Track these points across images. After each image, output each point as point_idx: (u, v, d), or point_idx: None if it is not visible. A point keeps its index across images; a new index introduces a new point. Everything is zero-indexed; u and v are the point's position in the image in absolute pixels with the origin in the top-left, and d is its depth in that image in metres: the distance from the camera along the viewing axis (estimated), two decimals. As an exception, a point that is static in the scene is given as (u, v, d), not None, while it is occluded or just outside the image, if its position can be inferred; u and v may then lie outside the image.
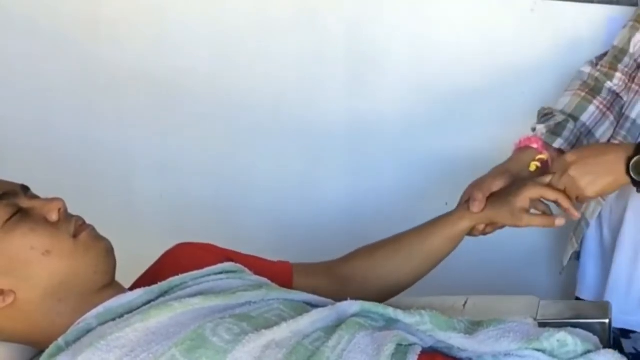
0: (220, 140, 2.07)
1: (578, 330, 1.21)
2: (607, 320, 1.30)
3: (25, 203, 1.10)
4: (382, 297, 1.34)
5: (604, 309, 1.35)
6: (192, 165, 2.09)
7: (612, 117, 1.58)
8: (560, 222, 1.35)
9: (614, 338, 1.37)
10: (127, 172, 2.13)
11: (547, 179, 1.36)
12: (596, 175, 1.32)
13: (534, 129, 1.55)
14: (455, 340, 1.14)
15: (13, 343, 1.12)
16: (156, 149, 2.10)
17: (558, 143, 1.51)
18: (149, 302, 1.12)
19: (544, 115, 1.58)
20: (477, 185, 1.43)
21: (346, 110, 1.98)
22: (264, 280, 1.25)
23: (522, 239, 1.81)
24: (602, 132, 1.58)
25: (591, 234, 1.61)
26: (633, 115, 1.52)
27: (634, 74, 1.57)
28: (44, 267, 1.08)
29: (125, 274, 1.21)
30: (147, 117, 2.07)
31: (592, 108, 1.57)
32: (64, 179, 2.03)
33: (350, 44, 1.96)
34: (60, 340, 1.05)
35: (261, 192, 2.09)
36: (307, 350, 1.05)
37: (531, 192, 1.34)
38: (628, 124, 1.53)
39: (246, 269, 1.26)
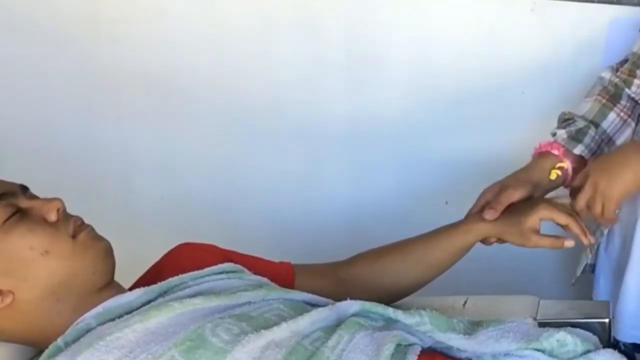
0: (220, 141, 2.07)
1: (578, 330, 1.21)
2: (606, 320, 1.30)
3: (24, 203, 1.10)
4: (384, 301, 1.33)
5: (603, 308, 1.35)
6: (192, 166, 2.09)
7: (633, 124, 1.57)
8: (569, 243, 1.33)
9: (627, 353, 1.37)
10: (127, 172, 2.13)
11: (566, 199, 1.36)
12: (616, 174, 1.31)
13: (554, 134, 1.53)
14: (454, 341, 1.14)
15: (12, 343, 1.12)
16: (156, 149, 2.10)
17: (579, 149, 1.49)
18: (148, 302, 1.12)
19: (565, 121, 1.57)
20: (496, 192, 1.41)
21: (346, 111, 1.98)
22: (264, 280, 1.25)
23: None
24: (623, 139, 1.56)
25: (602, 247, 1.59)
26: None
27: None
28: (42, 267, 1.07)
29: (125, 274, 1.21)
30: (147, 117, 2.07)
31: (612, 115, 1.56)
32: (63, 179, 2.03)
33: (350, 45, 1.95)
34: (59, 341, 1.05)
35: (261, 192, 2.09)
36: (307, 350, 1.05)
37: (542, 213, 1.32)
38: None
39: (245, 269, 1.26)
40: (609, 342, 1.29)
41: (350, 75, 1.97)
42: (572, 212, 1.34)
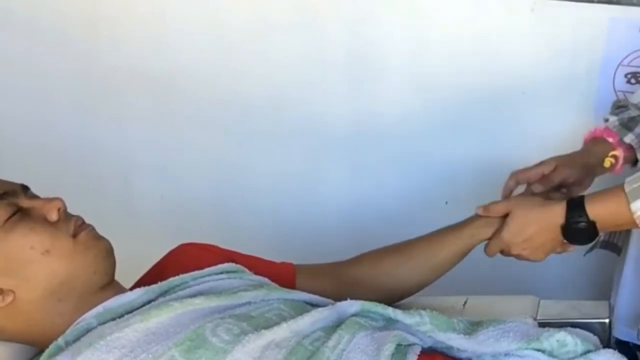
0: (220, 141, 2.07)
1: (578, 330, 1.21)
2: (607, 320, 1.30)
3: (24, 202, 1.10)
4: (386, 301, 1.33)
5: (603, 308, 1.35)
6: (192, 166, 2.09)
7: None
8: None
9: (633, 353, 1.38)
10: (127, 172, 2.13)
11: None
12: (537, 246, 1.29)
13: (606, 120, 1.50)
14: (455, 341, 1.14)
15: (13, 342, 1.12)
16: (156, 149, 2.10)
17: (629, 138, 1.46)
18: (149, 301, 1.12)
19: (618, 107, 1.54)
20: (552, 168, 1.41)
21: (346, 111, 1.98)
22: (265, 279, 1.25)
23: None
24: None
25: None
26: None
27: None
28: (43, 267, 1.07)
29: (125, 274, 1.21)
30: (147, 117, 2.07)
31: None
32: (63, 178, 2.03)
33: (350, 45, 1.95)
34: (60, 340, 1.05)
35: (261, 192, 2.08)
36: (307, 350, 1.05)
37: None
38: None
39: (246, 269, 1.26)
40: (609, 342, 1.29)
41: (351, 75, 1.97)
42: None
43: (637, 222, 1.16)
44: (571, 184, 1.43)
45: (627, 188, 1.17)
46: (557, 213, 1.25)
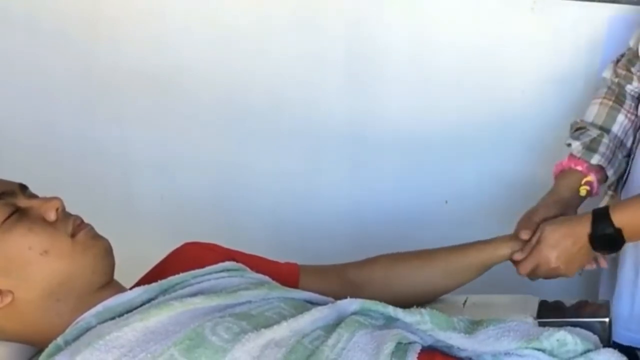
0: (220, 140, 2.07)
1: (578, 329, 1.21)
2: (606, 320, 1.30)
3: (23, 202, 1.10)
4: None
5: (603, 308, 1.35)
6: (192, 166, 2.09)
7: (638, 124, 1.57)
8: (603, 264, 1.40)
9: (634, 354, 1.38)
10: (127, 172, 2.13)
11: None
12: (572, 259, 1.33)
13: (568, 144, 1.53)
14: (455, 340, 1.14)
15: (12, 342, 1.12)
16: (156, 149, 2.10)
17: (595, 159, 1.49)
18: (149, 300, 1.12)
19: (577, 130, 1.56)
20: (529, 215, 1.44)
21: (346, 110, 1.98)
22: (265, 278, 1.25)
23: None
24: (630, 141, 1.56)
25: None
26: None
27: None
28: (41, 267, 1.07)
29: (125, 274, 1.21)
30: (147, 116, 2.07)
31: (620, 117, 1.55)
32: (63, 178, 2.03)
33: (350, 44, 1.95)
34: (59, 340, 1.05)
35: (261, 192, 2.08)
36: (307, 349, 1.05)
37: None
38: None
39: (247, 268, 1.26)
40: (609, 341, 1.29)
41: (350, 74, 1.97)
42: None
43: None
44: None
45: None
46: (584, 223, 1.31)
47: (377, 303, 1.17)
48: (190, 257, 1.27)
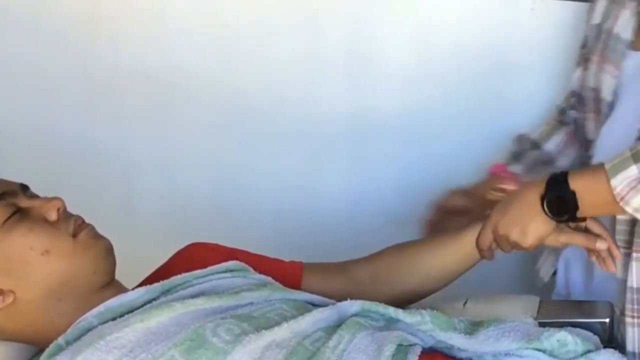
0: (220, 140, 2.07)
1: (578, 329, 1.21)
2: (607, 320, 1.30)
3: (24, 202, 1.10)
4: (401, 301, 1.31)
5: (604, 308, 1.35)
6: (192, 166, 2.09)
7: (577, 144, 1.59)
8: (602, 245, 1.27)
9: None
10: (127, 172, 2.13)
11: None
12: (522, 225, 1.23)
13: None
14: (455, 340, 1.14)
15: (13, 342, 1.12)
16: (156, 149, 2.10)
17: (515, 168, 1.52)
18: (150, 301, 1.12)
19: (517, 140, 1.61)
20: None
21: (346, 110, 1.98)
22: (268, 279, 1.24)
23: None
24: (568, 160, 1.58)
25: None
26: (604, 94, 1.48)
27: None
28: (43, 267, 1.07)
29: (126, 274, 1.21)
30: (147, 117, 2.07)
31: (558, 137, 1.59)
32: (63, 178, 2.03)
33: (350, 44, 1.95)
34: (60, 340, 1.05)
35: (261, 192, 2.08)
36: (307, 350, 1.05)
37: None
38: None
39: (250, 268, 1.26)
40: (610, 342, 1.29)
41: (350, 74, 1.97)
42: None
43: (617, 198, 1.13)
44: (460, 212, 1.47)
45: (607, 165, 1.15)
46: (537, 185, 1.21)
47: (377, 304, 1.17)
48: (193, 257, 1.27)
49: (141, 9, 2.03)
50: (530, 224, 1.22)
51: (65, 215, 1.11)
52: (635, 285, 1.31)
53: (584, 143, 1.57)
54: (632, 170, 1.13)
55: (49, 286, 1.08)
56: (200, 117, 1.92)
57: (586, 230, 1.25)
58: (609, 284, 1.39)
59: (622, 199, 1.13)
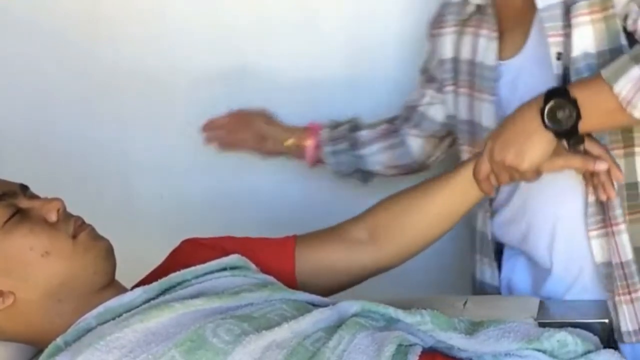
0: (220, 140, 2.07)
1: (578, 330, 1.21)
2: (607, 320, 1.30)
3: (24, 203, 1.10)
4: (407, 255, 1.32)
5: (604, 308, 1.35)
6: (192, 166, 2.09)
7: (382, 144, 1.71)
8: (601, 166, 1.20)
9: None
10: (127, 172, 2.13)
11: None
12: (518, 145, 1.17)
13: None
14: (455, 340, 1.14)
15: (13, 342, 1.12)
16: (156, 149, 2.10)
17: (324, 132, 1.73)
18: (149, 300, 1.12)
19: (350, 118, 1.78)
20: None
21: (346, 110, 1.97)
22: (269, 278, 1.24)
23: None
24: (368, 151, 1.71)
25: None
26: (484, 122, 1.45)
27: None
28: (43, 269, 1.07)
29: (126, 274, 1.20)
30: (147, 116, 2.07)
31: (374, 131, 1.73)
32: (63, 178, 2.03)
33: (350, 43, 1.96)
34: (59, 340, 1.05)
35: (261, 192, 2.08)
36: (308, 350, 1.05)
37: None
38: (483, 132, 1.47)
39: (251, 265, 1.25)
40: (610, 342, 1.29)
41: (351, 74, 1.97)
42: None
43: (623, 104, 1.09)
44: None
45: (604, 74, 1.12)
46: (534, 100, 1.16)
47: (377, 304, 1.17)
48: (187, 254, 1.27)
49: (141, 9, 2.02)
50: (526, 143, 1.16)
51: (65, 216, 1.11)
52: (621, 260, 1.30)
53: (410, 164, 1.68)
54: (636, 72, 1.09)
55: (49, 287, 1.08)
56: (200, 117, 1.92)
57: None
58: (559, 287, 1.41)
59: (628, 102, 1.10)
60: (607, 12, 1.23)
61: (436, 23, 1.57)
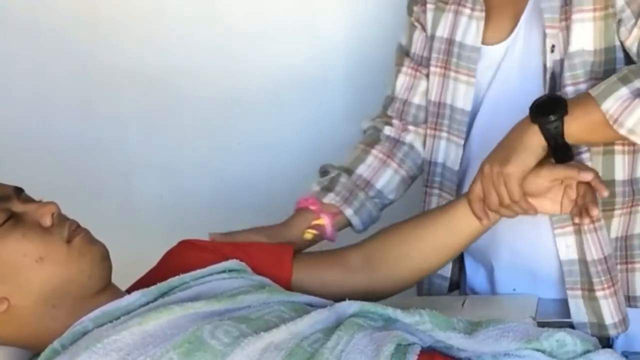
0: (220, 140, 2.07)
1: (577, 330, 1.21)
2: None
3: (18, 207, 1.08)
4: (404, 282, 1.32)
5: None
6: (192, 166, 2.09)
7: (394, 164, 1.52)
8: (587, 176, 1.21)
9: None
10: (127, 172, 2.13)
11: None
12: (509, 148, 1.19)
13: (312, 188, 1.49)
14: (454, 340, 1.13)
15: (9, 347, 1.12)
16: (156, 148, 2.10)
17: (328, 198, 1.44)
18: (147, 303, 1.11)
19: (322, 173, 1.52)
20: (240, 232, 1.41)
21: (346, 110, 1.98)
22: (266, 280, 1.24)
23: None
24: (385, 180, 1.51)
25: None
26: (440, 159, 1.46)
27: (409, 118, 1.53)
28: (37, 274, 1.06)
29: (125, 275, 1.20)
30: (146, 117, 2.08)
31: (370, 159, 1.51)
32: (62, 178, 2.03)
33: (350, 44, 1.96)
34: (56, 344, 1.04)
35: (262, 192, 2.08)
36: (306, 352, 1.04)
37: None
38: (439, 169, 1.48)
39: (248, 268, 1.25)
40: (608, 342, 1.29)
41: (351, 75, 1.97)
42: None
43: (610, 121, 1.12)
44: None
45: (593, 93, 1.14)
46: (528, 115, 1.18)
47: (375, 305, 1.17)
48: (184, 256, 1.26)
49: (141, 9, 2.03)
50: (515, 146, 1.18)
51: (59, 220, 1.10)
52: (595, 257, 1.30)
53: (400, 163, 1.52)
54: (623, 91, 1.12)
55: (43, 293, 1.06)
56: (200, 116, 1.92)
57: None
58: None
59: (615, 120, 1.12)
60: (607, 11, 1.24)
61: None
